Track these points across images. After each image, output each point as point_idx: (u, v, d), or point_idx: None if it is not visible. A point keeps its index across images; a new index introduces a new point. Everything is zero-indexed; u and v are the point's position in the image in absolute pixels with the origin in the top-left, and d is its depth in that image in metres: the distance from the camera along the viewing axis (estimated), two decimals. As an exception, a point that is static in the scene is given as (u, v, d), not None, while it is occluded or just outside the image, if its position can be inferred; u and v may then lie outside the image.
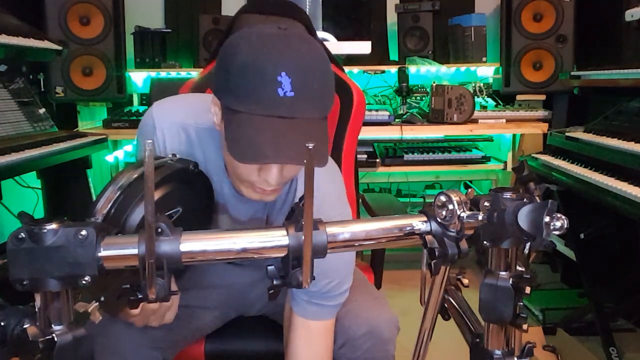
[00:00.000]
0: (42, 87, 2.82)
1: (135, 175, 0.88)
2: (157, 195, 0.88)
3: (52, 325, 0.67)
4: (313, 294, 1.10)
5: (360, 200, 1.71)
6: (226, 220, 1.18)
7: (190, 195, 1.00)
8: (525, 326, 0.78)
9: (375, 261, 1.51)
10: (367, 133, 2.72)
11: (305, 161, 0.64)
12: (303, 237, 0.68)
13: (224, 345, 1.29)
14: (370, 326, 1.16)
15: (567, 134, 2.18)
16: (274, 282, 0.73)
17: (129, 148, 2.97)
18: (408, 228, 0.76)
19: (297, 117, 0.88)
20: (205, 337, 1.29)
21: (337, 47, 2.74)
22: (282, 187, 1.04)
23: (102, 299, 0.71)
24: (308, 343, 1.13)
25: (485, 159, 2.94)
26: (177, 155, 1.02)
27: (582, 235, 2.18)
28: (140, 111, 2.95)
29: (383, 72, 3.12)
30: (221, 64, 0.92)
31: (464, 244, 0.74)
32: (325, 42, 2.55)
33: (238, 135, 0.88)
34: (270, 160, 0.88)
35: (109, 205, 0.84)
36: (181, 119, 1.11)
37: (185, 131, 1.10)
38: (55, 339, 0.66)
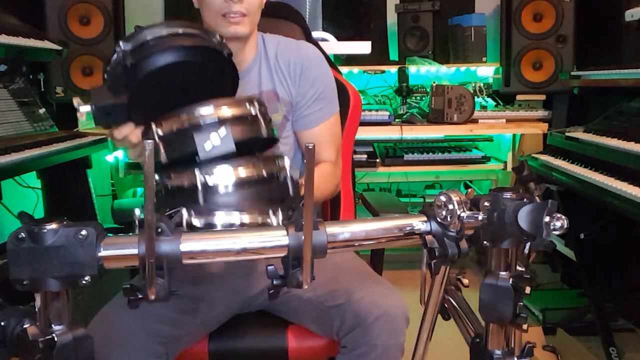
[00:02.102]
0: (42, 87, 2.81)
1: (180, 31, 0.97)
2: (175, 56, 0.94)
3: (52, 325, 0.67)
4: (310, 104, 1.40)
5: (359, 199, 1.71)
6: None
7: (209, 73, 1.02)
8: (525, 326, 0.78)
9: (375, 260, 1.51)
10: (367, 133, 2.72)
11: (305, 161, 0.65)
12: (303, 237, 0.68)
13: (227, 344, 1.29)
14: (383, 312, 1.17)
15: (567, 134, 2.17)
16: (274, 282, 0.73)
17: (129, 148, 2.97)
18: (408, 228, 0.77)
19: None
20: (208, 336, 1.29)
21: (337, 47, 2.74)
22: (248, 16, 1.27)
23: None
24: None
25: (485, 159, 2.94)
26: (224, 40, 1.05)
27: (582, 235, 2.18)
28: (140, 111, 2.94)
29: (383, 72, 3.12)
30: None
31: (464, 244, 0.74)
32: (325, 42, 2.56)
33: None
34: None
35: (143, 42, 0.95)
36: None
37: None
38: (55, 339, 0.66)
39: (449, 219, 0.73)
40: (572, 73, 2.41)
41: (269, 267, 0.73)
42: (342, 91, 1.55)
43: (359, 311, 1.18)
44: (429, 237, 0.76)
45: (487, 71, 3.15)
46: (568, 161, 2.05)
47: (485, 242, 0.75)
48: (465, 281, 1.27)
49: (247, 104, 0.94)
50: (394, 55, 3.23)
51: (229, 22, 1.26)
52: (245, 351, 1.29)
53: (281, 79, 1.40)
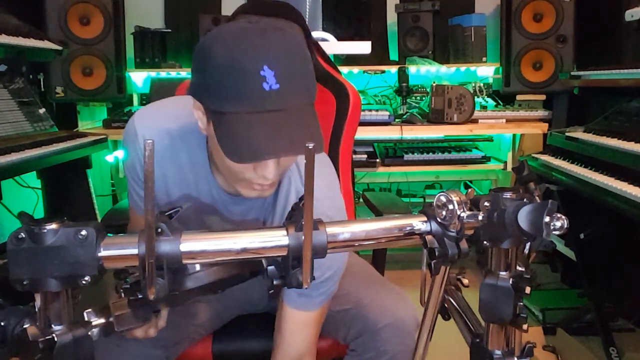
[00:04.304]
0: (42, 87, 2.82)
1: None
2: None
3: (52, 325, 0.67)
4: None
5: (360, 199, 1.71)
6: (217, 221, 1.16)
7: None
8: (525, 326, 0.78)
9: (377, 261, 1.51)
10: (367, 133, 2.72)
11: (305, 161, 0.64)
12: (303, 237, 0.68)
13: (231, 344, 1.30)
14: (393, 319, 1.17)
15: (567, 134, 2.17)
16: (274, 282, 0.73)
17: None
18: (408, 228, 0.76)
19: (286, 108, 0.86)
20: (212, 336, 1.29)
21: (337, 47, 2.74)
22: (278, 179, 1.03)
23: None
24: (292, 333, 1.14)
25: (485, 159, 2.94)
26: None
27: (582, 235, 2.18)
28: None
29: (383, 72, 3.12)
30: (197, 67, 0.90)
31: (464, 244, 0.74)
32: (325, 42, 2.56)
33: (231, 136, 0.86)
34: (268, 156, 0.87)
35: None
36: (163, 124, 1.10)
37: (168, 135, 1.09)
38: (55, 339, 0.66)
39: (449, 219, 0.73)
40: (572, 73, 2.41)
41: (269, 267, 0.73)
42: (342, 91, 1.55)
43: (367, 317, 1.17)
44: (429, 237, 0.76)
45: (487, 71, 3.16)
46: (568, 161, 2.05)
47: (485, 242, 0.75)
48: (465, 281, 1.27)
49: None
50: (394, 55, 3.23)
51: (252, 189, 0.99)
52: (249, 352, 1.30)
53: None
